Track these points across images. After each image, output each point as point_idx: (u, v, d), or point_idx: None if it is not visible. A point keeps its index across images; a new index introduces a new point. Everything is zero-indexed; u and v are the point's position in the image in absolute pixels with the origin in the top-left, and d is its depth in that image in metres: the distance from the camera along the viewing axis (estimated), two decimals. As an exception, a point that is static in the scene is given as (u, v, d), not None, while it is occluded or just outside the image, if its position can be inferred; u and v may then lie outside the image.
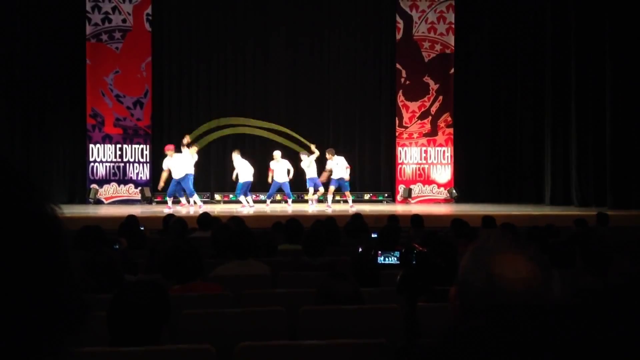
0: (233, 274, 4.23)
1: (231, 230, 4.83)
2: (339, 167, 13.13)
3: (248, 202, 13.06)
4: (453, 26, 15.70)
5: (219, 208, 13.11)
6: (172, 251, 3.65)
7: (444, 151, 15.74)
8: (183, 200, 13.02)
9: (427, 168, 15.71)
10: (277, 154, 13.41)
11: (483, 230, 5.69)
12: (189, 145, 12.84)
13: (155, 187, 13.44)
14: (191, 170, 12.74)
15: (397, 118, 15.74)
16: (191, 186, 12.72)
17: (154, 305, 2.34)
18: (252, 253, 4.49)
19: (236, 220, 6.84)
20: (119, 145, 14.73)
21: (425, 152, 15.73)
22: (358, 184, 15.84)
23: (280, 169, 13.21)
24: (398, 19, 15.71)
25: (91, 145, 14.63)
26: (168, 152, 12.68)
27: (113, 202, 14.51)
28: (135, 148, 14.81)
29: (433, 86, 15.69)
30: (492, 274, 1.27)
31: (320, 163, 13.51)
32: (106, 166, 14.69)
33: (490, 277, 1.27)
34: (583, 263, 3.48)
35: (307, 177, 13.40)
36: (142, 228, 7.11)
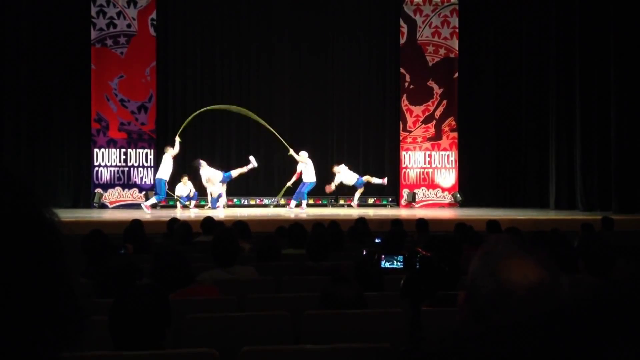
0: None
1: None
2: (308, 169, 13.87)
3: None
4: (457, 30, 15.70)
5: (223, 213, 13.10)
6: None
7: (448, 155, 15.71)
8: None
9: (431, 172, 15.69)
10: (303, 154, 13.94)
11: (491, 235, 5.67)
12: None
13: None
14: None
15: (401, 122, 15.74)
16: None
17: (154, 309, 2.34)
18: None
19: (240, 225, 6.81)
20: (123, 150, 14.76)
21: (430, 156, 15.70)
22: (362, 188, 15.82)
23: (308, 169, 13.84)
24: (402, 23, 15.71)
25: (96, 150, 14.66)
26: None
27: (117, 206, 14.53)
28: (139, 152, 14.84)
29: (437, 90, 15.68)
30: (501, 279, 1.26)
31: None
32: (111, 170, 14.71)
33: (499, 282, 1.26)
34: (585, 266, 3.47)
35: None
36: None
